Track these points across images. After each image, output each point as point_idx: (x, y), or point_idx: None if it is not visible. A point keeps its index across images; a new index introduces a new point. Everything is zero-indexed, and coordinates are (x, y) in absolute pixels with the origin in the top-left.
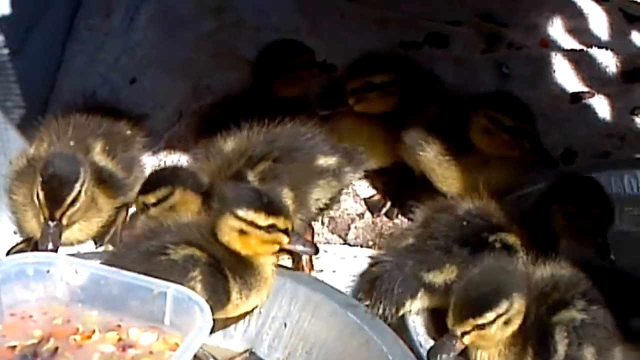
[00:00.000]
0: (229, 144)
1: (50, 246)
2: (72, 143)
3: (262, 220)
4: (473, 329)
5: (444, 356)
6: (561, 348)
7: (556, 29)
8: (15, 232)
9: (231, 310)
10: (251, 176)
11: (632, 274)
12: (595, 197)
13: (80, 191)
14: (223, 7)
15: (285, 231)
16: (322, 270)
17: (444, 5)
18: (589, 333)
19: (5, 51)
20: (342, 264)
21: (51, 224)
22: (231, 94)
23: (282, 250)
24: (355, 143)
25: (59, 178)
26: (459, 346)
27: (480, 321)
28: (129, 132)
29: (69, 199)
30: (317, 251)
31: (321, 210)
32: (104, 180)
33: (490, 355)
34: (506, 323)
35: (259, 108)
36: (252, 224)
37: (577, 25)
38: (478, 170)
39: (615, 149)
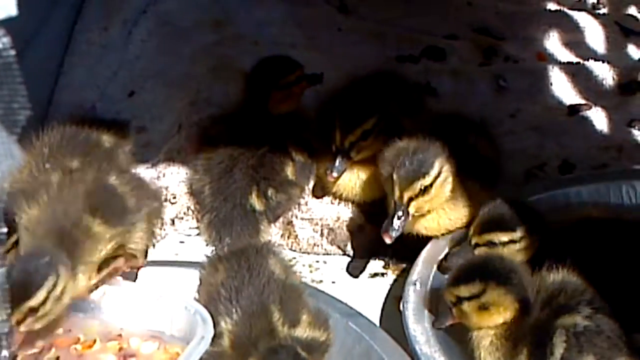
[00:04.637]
0: None
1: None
2: (47, 166)
3: None
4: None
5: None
6: (557, 352)
7: (553, 42)
8: None
9: None
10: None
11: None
12: None
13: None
14: (221, 21)
15: None
16: (321, 281)
17: (440, 19)
18: (590, 340)
19: None
20: (341, 274)
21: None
22: (230, 109)
23: None
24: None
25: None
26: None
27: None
28: (108, 144)
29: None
30: None
31: None
32: None
33: (486, 347)
34: (445, 180)
35: (255, 123)
36: None
37: (574, 38)
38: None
39: (613, 160)
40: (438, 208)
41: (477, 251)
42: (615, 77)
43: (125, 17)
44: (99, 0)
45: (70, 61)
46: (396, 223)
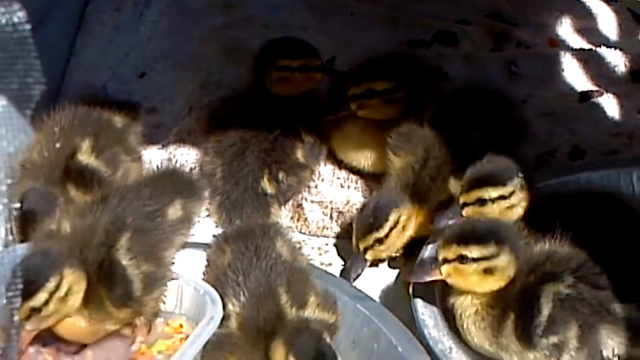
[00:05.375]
0: None
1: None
2: (58, 145)
3: None
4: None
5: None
6: (545, 311)
7: (565, 28)
8: None
9: None
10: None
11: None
12: None
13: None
14: (232, 3)
15: None
16: (330, 264)
17: (452, 4)
18: (574, 307)
19: None
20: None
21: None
22: (240, 91)
23: None
24: (362, 147)
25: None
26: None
27: (378, 235)
28: (119, 125)
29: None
30: None
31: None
32: (85, 179)
33: (470, 317)
34: (403, 228)
35: (266, 105)
36: None
37: (586, 24)
38: None
39: (624, 147)
40: None
41: (465, 211)
42: (627, 64)
43: None
44: None
45: (82, 42)
46: (354, 270)
